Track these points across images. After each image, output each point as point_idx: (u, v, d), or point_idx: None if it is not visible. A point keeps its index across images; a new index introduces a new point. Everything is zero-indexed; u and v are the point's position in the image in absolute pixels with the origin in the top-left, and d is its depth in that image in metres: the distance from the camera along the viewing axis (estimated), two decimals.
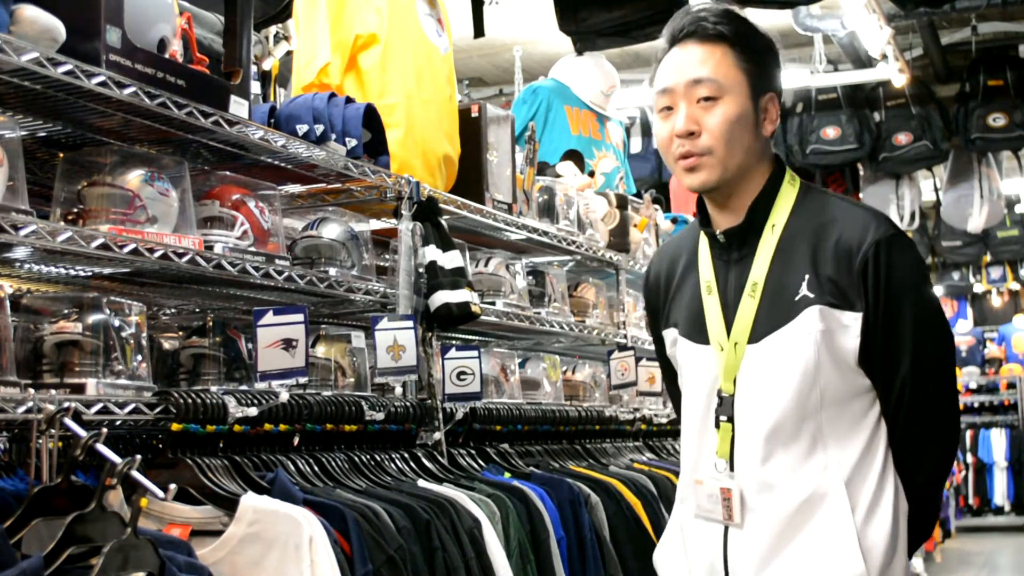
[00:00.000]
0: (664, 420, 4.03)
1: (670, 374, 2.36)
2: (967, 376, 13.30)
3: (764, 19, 2.44)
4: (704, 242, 2.19)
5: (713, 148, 2.05)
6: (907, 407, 2.04)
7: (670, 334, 2.26)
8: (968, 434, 12.88)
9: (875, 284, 2.00)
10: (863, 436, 2.04)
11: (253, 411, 2.20)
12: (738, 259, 2.12)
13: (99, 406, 1.93)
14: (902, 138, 8.77)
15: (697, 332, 2.16)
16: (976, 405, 13.29)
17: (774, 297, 2.05)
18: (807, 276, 2.03)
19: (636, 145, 8.88)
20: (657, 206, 4.69)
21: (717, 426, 2.09)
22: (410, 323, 2.70)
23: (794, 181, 2.15)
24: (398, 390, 2.84)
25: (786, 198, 2.12)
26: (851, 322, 2.01)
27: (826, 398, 2.01)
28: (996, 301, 14.49)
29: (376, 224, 3.01)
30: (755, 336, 2.06)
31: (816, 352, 2.00)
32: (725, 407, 2.08)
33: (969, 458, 12.81)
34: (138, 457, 1.74)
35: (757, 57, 2.10)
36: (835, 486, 1.99)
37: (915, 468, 2.06)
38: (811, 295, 2.02)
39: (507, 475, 2.90)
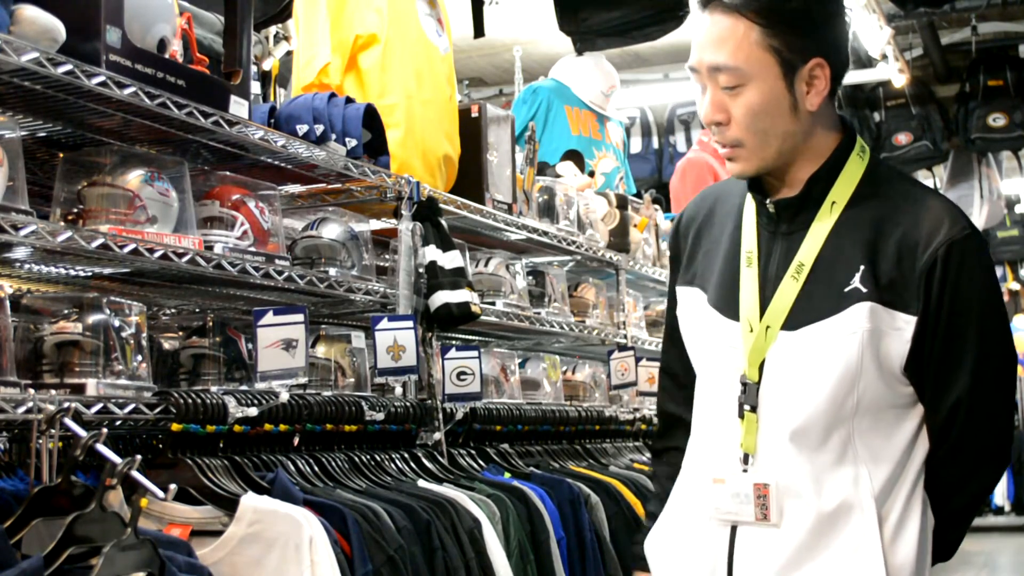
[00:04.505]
0: None
1: (673, 335, 2.10)
2: None
3: None
4: (751, 205, 1.95)
5: (742, 139, 1.84)
6: (959, 429, 1.84)
7: (690, 293, 2.01)
8: None
9: (940, 288, 1.78)
10: (897, 450, 1.85)
11: (253, 411, 2.20)
12: (787, 233, 1.89)
13: (99, 406, 1.93)
14: (902, 138, 8.77)
15: (728, 304, 1.92)
16: None
17: (821, 284, 1.83)
18: (862, 267, 1.81)
19: (636, 145, 8.88)
20: (657, 206, 4.69)
21: (741, 416, 1.87)
22: (410, 323, 2.70)
23: (864, 154, 1.91)
24: (398, 390, 2.84)
25: (852, 173, 1.88)
26: (904, 325, 1.79)
27: (862, 405, 1.81)
28: None
29: (376, 224, 3.01)
30: (792, 323, 1.84)
31: (860, 353, 1.79)
32: (749, 395, 1.86)
33: None
34: (138, 457, 1.74)
35: (791, 25, 1.81)
36: (865, 501, 1.81)
37: (955, 491, 1.89)
38: (864, 289, 1.80)
39: (507, 475, 2.90)
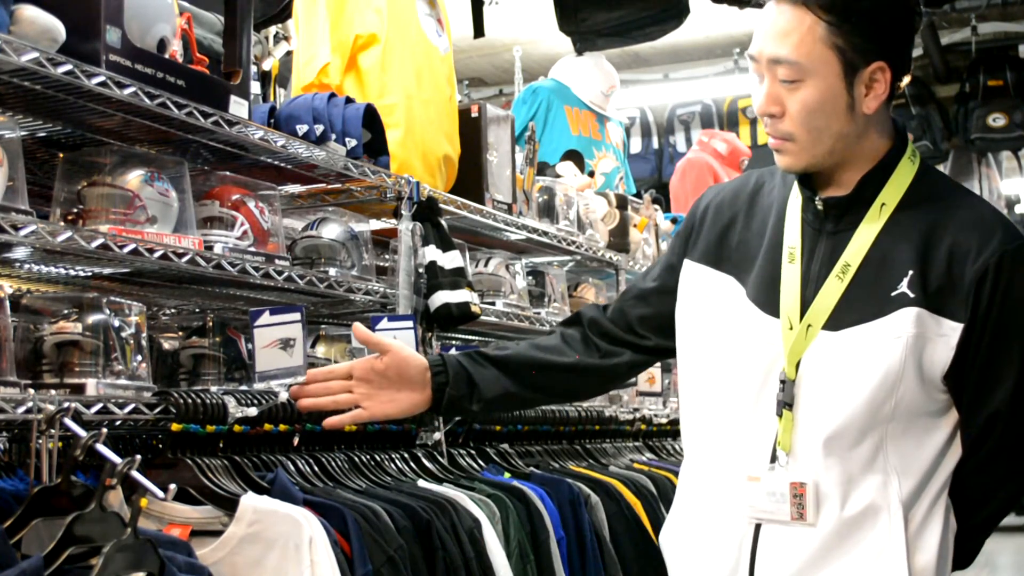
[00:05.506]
0: (664, 420, 4.03)
1: (641, 296, 2.12)
2: None
3: None
4: (796, 200, 1.93)
5: (794, 135, 1.83)
6: (995, 440, 1.84)
7: (718, 279, 1.98)
8: None
9: (991, 298, 1.77)
10: (928, 457, 1.84)
11: (253, 411, 2.20)
12: (833, 231, 1.88)
13: (99, 406, 1.93)
14: None
15: (768, 300, 1.89)
16: None
17: (866, 286, 1.83)
18: (911, 272, 1.80)
19: (636, 145, 8.89)
20: (657, 206, 4.69)
21: (779, 414, 1.85)
22: (410, 323, 2.70)
23: (914, 159, 1.90)
24: None
25: (902, 177, 1.88)
26: (949, 332, 1.79)
27: (899, 410, 1.80)
28: None
29: (376, 224, 3.01)
30: (834, 323, 1.82)
31: (903, 358, 1.78)
32: (787, 394, 1.84)
33: None
34: (138, 457, 1.74)
35: (858, 26, 1.78)
36: (893, 504, 1.81)
37: (983, 501, 1.89)
38: (911, 294, 1.79)
39: (507, 475, 2.90)
